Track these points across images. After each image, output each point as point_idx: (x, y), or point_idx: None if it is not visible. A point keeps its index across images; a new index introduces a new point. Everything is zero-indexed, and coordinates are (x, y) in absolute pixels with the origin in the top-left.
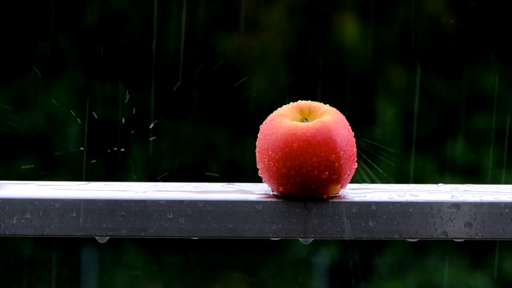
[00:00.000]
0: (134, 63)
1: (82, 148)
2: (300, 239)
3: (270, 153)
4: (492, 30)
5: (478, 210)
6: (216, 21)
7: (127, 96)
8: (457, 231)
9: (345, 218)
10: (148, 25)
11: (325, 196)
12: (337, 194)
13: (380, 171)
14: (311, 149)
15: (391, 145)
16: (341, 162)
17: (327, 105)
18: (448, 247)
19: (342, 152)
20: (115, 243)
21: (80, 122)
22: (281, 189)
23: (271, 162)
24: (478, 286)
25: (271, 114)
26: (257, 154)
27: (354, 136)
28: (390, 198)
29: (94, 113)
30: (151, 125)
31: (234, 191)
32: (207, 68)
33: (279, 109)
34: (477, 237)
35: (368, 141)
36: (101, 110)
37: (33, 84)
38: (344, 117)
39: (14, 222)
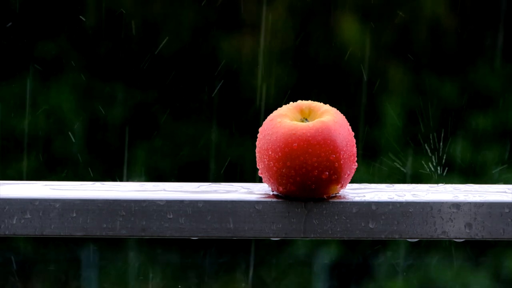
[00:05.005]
0: (135, 63)
1: (82, 148)
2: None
3: (270, 153)
4: (492, 29)
5: (478, 210)
6: (216, 21)
7: (128, 96)
8: (457, 231)
9: (345, 218)
10: (148, 25)
11: (325, 196)
12: (337, 194)
13: (380, 171)
14: (311, 149)
15: (391, 145)
16: (341, 162)
17: (327, 105)
18: (448, 247)
19: (342, 152)
20: (115, 243)
21: (80, 122)
22: (281, 189)
23: (271, 162)
24: (478, 285)
25: (271, 114)
26: (257, 154)
27: (354, 136)
28: (390, 198)
29: (94, 113)
30: (151, 125)
31: (234, 191)
32: (207, 68)
33: (279, 109)
34: (477, 237)
35: (368, 141)
36: (102, 110)
37: (34, 84)
38: (344, 117)
39: (14, 222)
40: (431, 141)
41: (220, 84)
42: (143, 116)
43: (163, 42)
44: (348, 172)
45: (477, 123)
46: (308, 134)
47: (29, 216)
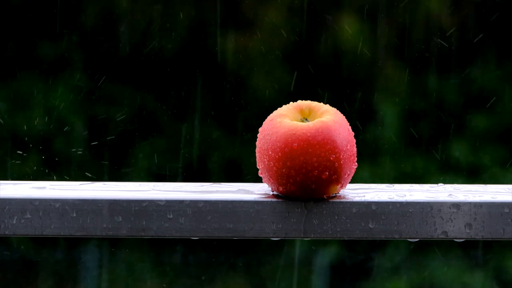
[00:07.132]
0: (135, 63)
1: (82, 148)
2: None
3: (270, 153)
4: (492, 29)
5: (478, 210)
6: (215, 21)
7: (128, 96)
8: (457, 231)
9: (345, 218)
10: (148, 25)
11: (325, 196)
12: (337, 194)
13: (380, 171)
14: (311, 149)
15: (391, 144)
16: (341, 162)
17: (327, 105)
18: (448, 247)
19: (342, 152)
20: (115, 243)
21: (81, 122)
22: (281, 189)
23: (271, 162)
24: (478, 286)
25: (271, 114)
26: (257, 154)
27: (354, 136)
28: (390, 198)
29: (95, 113)
30: (152, 125)
31: (234, 191)
32: (207, 68)
33: (279, 109)
34: (477, 237)
35: (368, 141)
36: (102, 110)
37: (35, 84)
38: (344, 117)
39: (14, 222)
40: (431, 141)
41: (220, 84)
42: (143, 116)
43: (163, 42)
44: (348, 172)
45: (477, 122)
46: (308, 134)
47: (29, 216)
